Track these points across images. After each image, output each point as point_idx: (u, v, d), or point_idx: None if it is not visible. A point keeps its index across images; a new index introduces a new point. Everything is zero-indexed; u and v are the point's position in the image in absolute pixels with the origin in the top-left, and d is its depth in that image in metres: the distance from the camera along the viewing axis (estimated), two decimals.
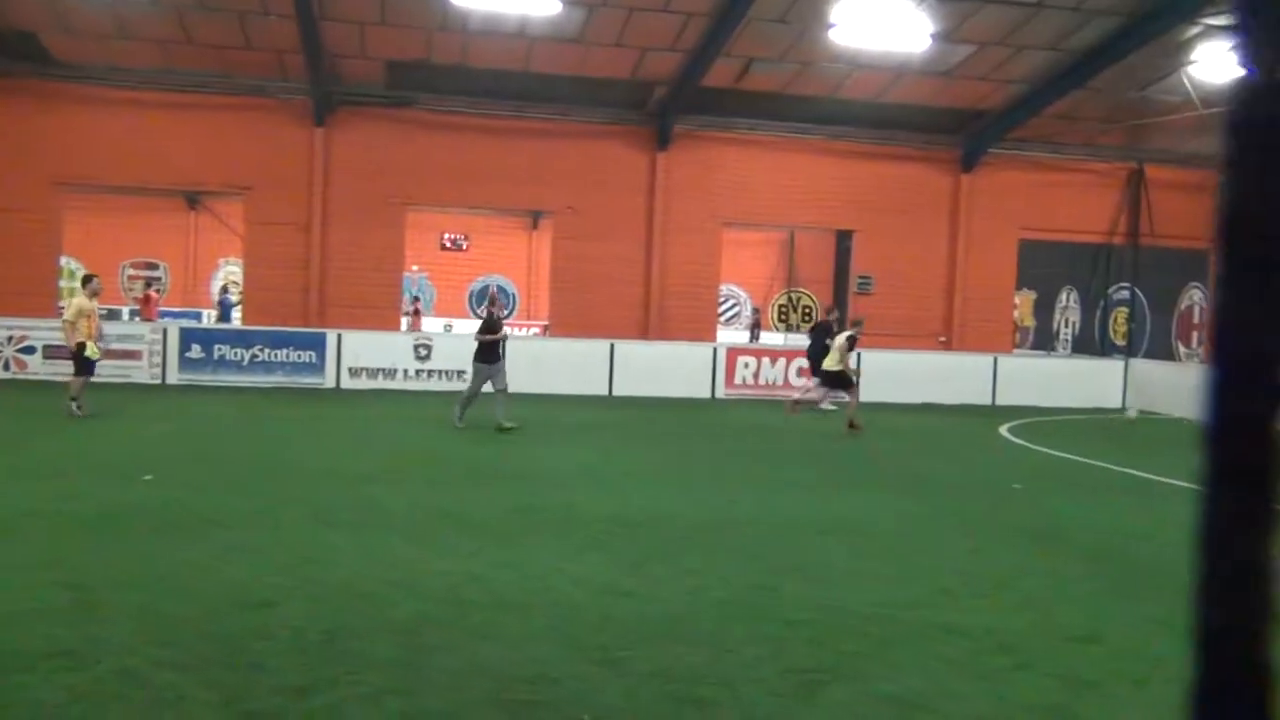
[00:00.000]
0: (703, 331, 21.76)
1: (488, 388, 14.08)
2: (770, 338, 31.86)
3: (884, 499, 10.06)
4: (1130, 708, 4.81)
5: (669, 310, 21.26)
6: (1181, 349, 24.19)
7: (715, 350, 20.59)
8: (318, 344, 18.93)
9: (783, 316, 34.38)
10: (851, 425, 15.24)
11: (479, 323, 14.85)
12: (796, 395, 18.28)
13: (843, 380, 16.03)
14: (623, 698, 4.62)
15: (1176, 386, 21.18)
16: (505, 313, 18.12)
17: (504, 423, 13.70)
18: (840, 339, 16.30)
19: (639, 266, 21.27)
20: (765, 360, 20.90)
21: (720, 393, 20.29)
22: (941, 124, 21.73)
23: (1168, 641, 5.80)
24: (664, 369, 20.04)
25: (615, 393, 19.65)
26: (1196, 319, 23.83)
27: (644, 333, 21.05)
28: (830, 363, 16.17)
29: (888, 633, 5.72)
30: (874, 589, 6.64)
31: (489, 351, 14.11)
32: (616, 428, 15.15)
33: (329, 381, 18.83)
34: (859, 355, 17.70)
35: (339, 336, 19.03)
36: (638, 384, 19.52)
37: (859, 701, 4.70)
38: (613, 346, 19.96)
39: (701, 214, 21.39)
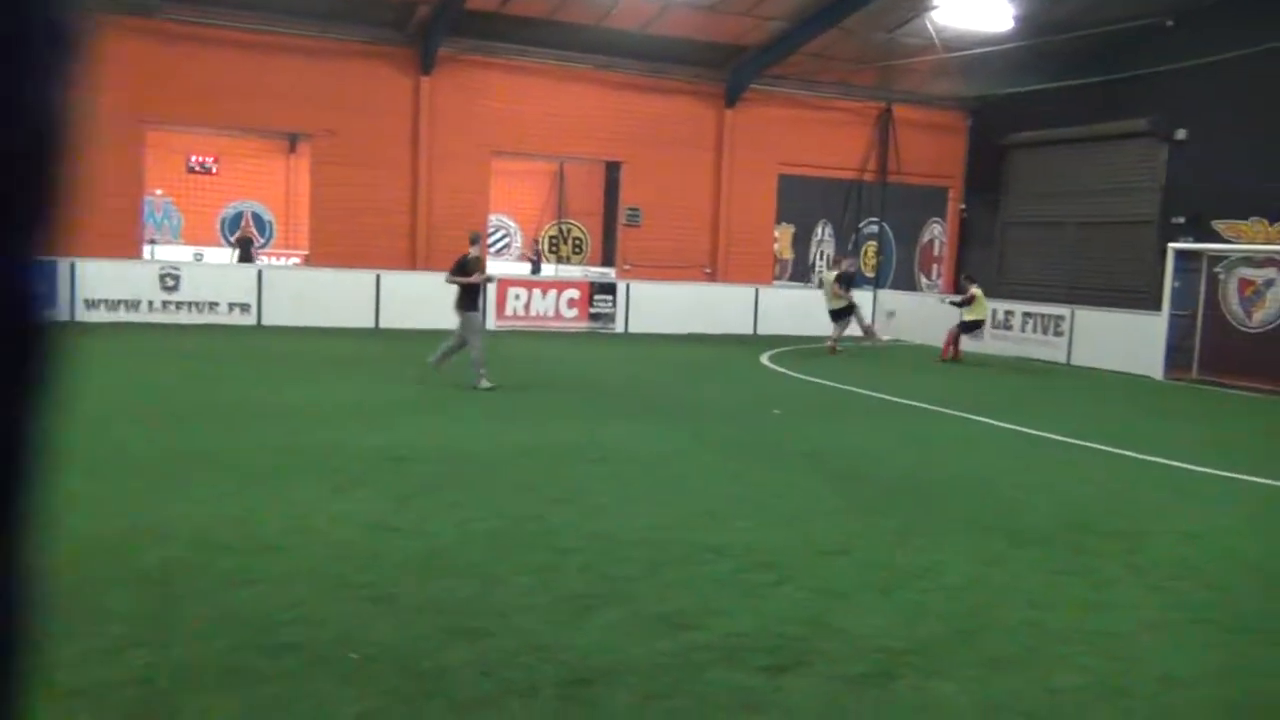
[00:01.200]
0: None
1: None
2: (541, 268, 31.77)
3: (652, 427, 10.29)
4: (875, 614, 5.15)
5: (438, 241, 20.77)
6: (923, 279, 25.90)
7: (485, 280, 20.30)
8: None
9: (553, 248, 34.34)
10: (832, 349, 18.67)
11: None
12: (829, 341, 19.41)
13: (847, 312, 19.14)
14: (392, 634, 4.53)
15: (919, 314, 22.73)
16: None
17: (433, 362, 12.52)
18: (830, 279, 19.52)
19: (405, 195, 20.61)
20: (537, 291, 20.84)
21: (491, 324, 20.09)
22: (707, 58, 22.07)
23: (904, 552, 6.26)
24: (433, 300, 19.58)
25: (382, 325, 19.10)
26: (936, 252, 25.55)
27: (412, 263, 20.50)
28: (832, 304, 19.11)
29: (656, 556, 5.87)
30: (643, 514, 6.80)
31: (471, 298, 12.58)
32: (384, 361, 14.75)
33: (62, 314, 17.28)
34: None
35: (71, 265, 17.48)
36: (406, 316, 19.02)
37: (629, 622, 4.80)
38: (379, 277, 19.33)
39: (469, 142, 20.91)
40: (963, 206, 24.88)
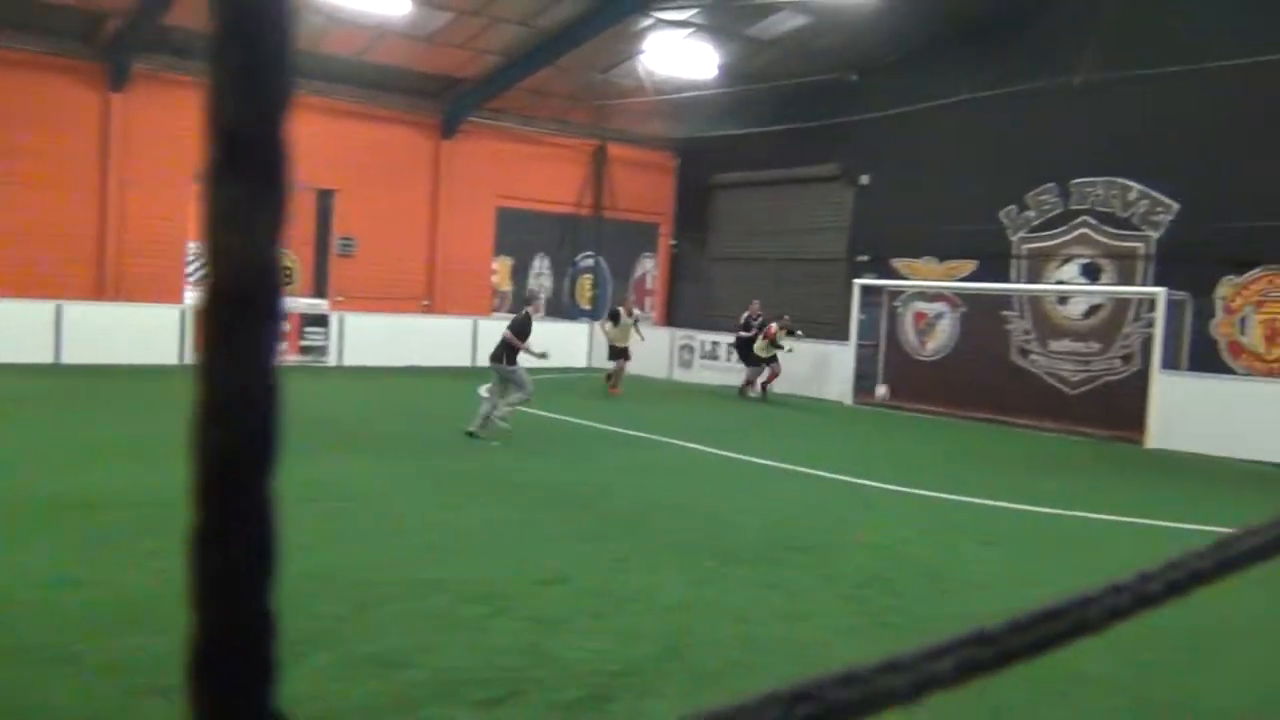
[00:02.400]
0: (169, 292, 20.03)
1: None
2: None
3: (366, 463, 10.00)
4: (591, 639, 5.25)
5: (129, 269, 19.28)
6: (637, 311, 26.74)
7: (183, 312, 19.07)
8: None
9: None
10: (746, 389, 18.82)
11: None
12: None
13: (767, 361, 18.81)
14: (74, 697, 4.13)
15: (636, 346, 23.43)
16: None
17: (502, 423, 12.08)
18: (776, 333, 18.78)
19: (92, 219, 19.01)
20: None
21: (190, 358, 18.87)
22: (423, 88, 21.90)
23: (621, 577, 6.43)
24: (121, 333, 18.17)
25: (63, 359, 17.47)
26: (649, 285, 26.49)
27: (99, 293, 18.90)
28: (764, 351, 18.76)
29: (368, 594, 5.71)
30: (356, 553, 6.59)
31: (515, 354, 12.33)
32: (64, 398, 13.49)
33: None
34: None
35: None
36: (91, 350, 17.50)
37: (339, 665, 4.64)
38: (59, 308, 17.69)
39: (166, 165, 19.56)
40: (673, 242, 25.97)
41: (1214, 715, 4.71)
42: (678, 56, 20.24)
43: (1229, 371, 15.30)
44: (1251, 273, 15.34)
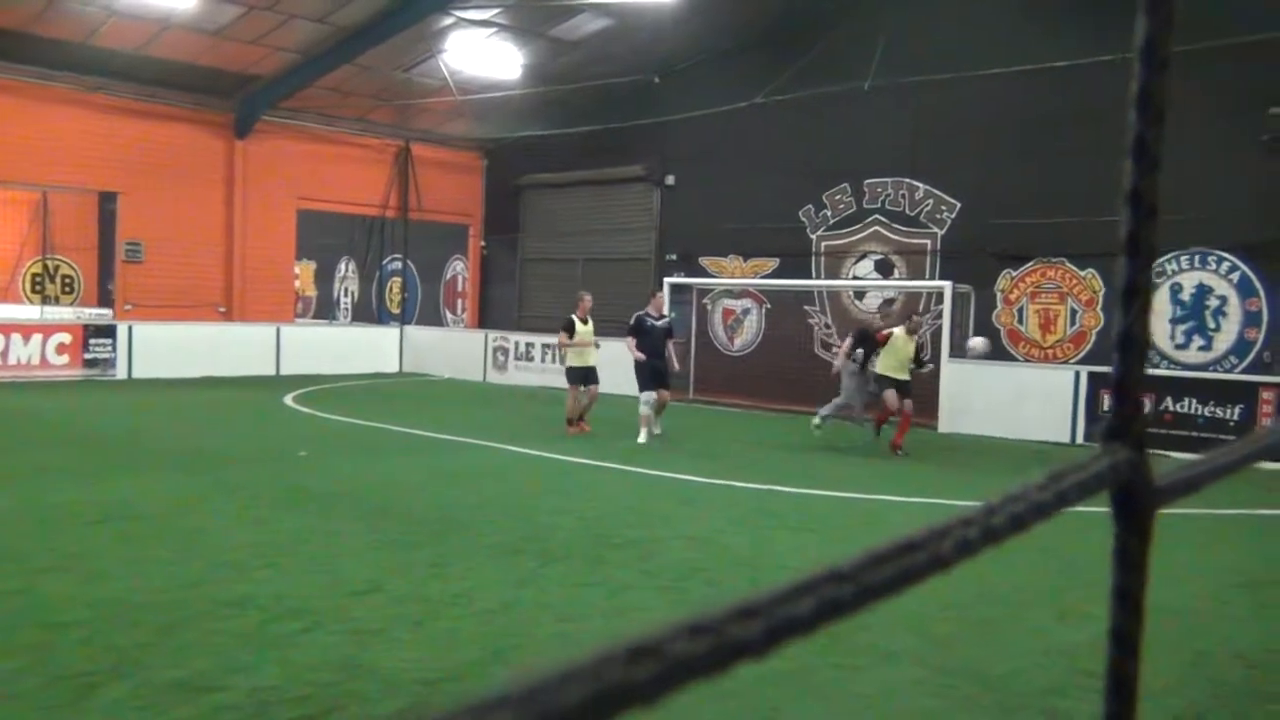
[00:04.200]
0: None
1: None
2: (23, 310, 28.00)
3: (163, 479, 9.47)
4: (409, 648, 5.14)
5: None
6: (448, 315, 26.40)
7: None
8: None
9: (38, 287, 30.46)
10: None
11: None
12: None
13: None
14: None
15: (443, 350, 23.12)
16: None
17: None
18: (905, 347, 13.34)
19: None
20: (16, 336, 18.34)
21: None
22: (213, 85, 20.88)
23: (440, 583, 6.33)
24: None
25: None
26: (460, 288, 26.18)
27: None
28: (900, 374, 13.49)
29: (169, 618, 5.40)
30: (155, 574, 6.22)
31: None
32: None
33: None
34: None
35: None
36: None
37: (141, 694, 4.37)
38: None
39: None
40: (484, 244, 25.74)
41: (1003, 679, 5.04)
42: (481, 56, 20.08)
43: (1011, 358, 16.40)
44: (1026, 266, 16.50)
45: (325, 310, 29.42)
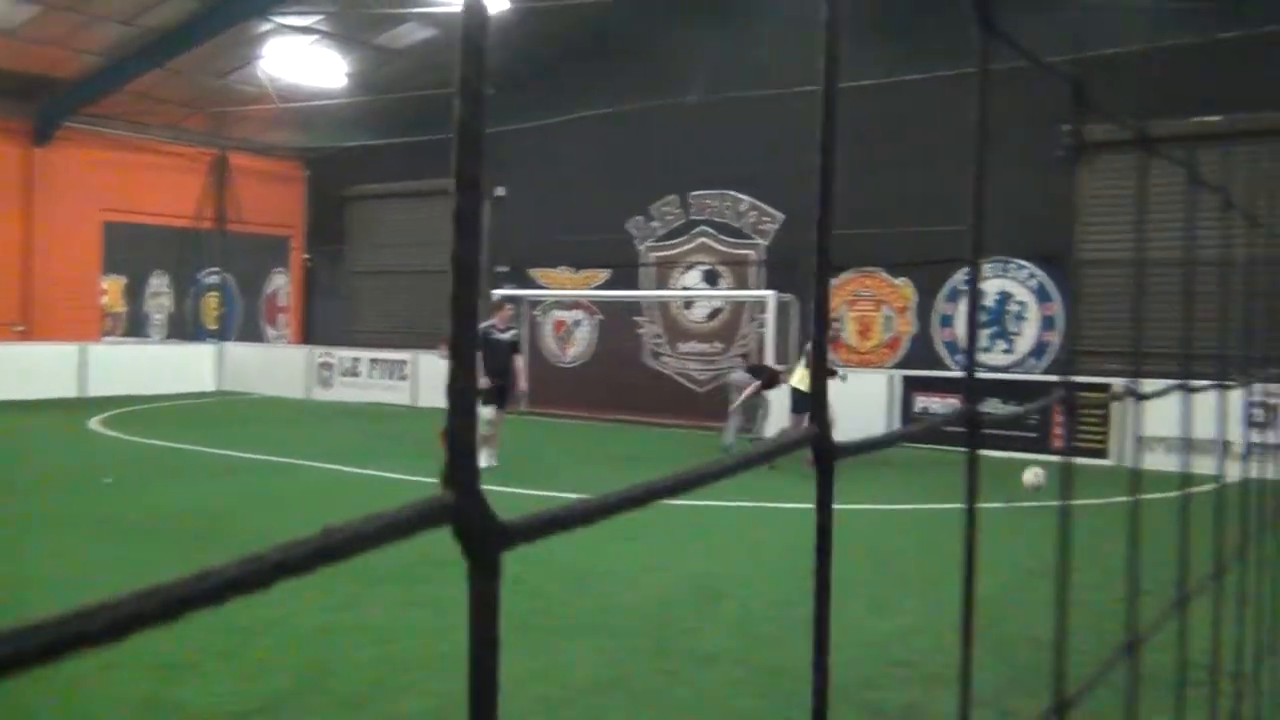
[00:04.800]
0: None
1: None
2: None
3: None
4: (220, 679, 4.92)
5: None
6: (269, 330, 25.47)
7: None
8: None
9: None
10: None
11: None
12: None
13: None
14: None
15: (263, 366, 22.31)
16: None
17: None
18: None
19: None
20: None
21: None
22: (8, 88, 19.53)
23: (253, 609, 6.07)
24: None
25: None
26: (281, 302, 25.29)
27: None
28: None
29: None
30: None
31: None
32: None
33: None
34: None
35: None
36: None
37: None
38: None
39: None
40: (306, 256, 24.96)
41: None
42: (303, 63, 19.49)
43: (831, 364, 17.00)
44: (844, 275, 17.15)
45: (136, 327, 27.92)
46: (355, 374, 20.98)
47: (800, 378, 13.25)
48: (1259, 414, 12.67)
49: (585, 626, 5.97)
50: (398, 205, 23.06)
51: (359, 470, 11.69)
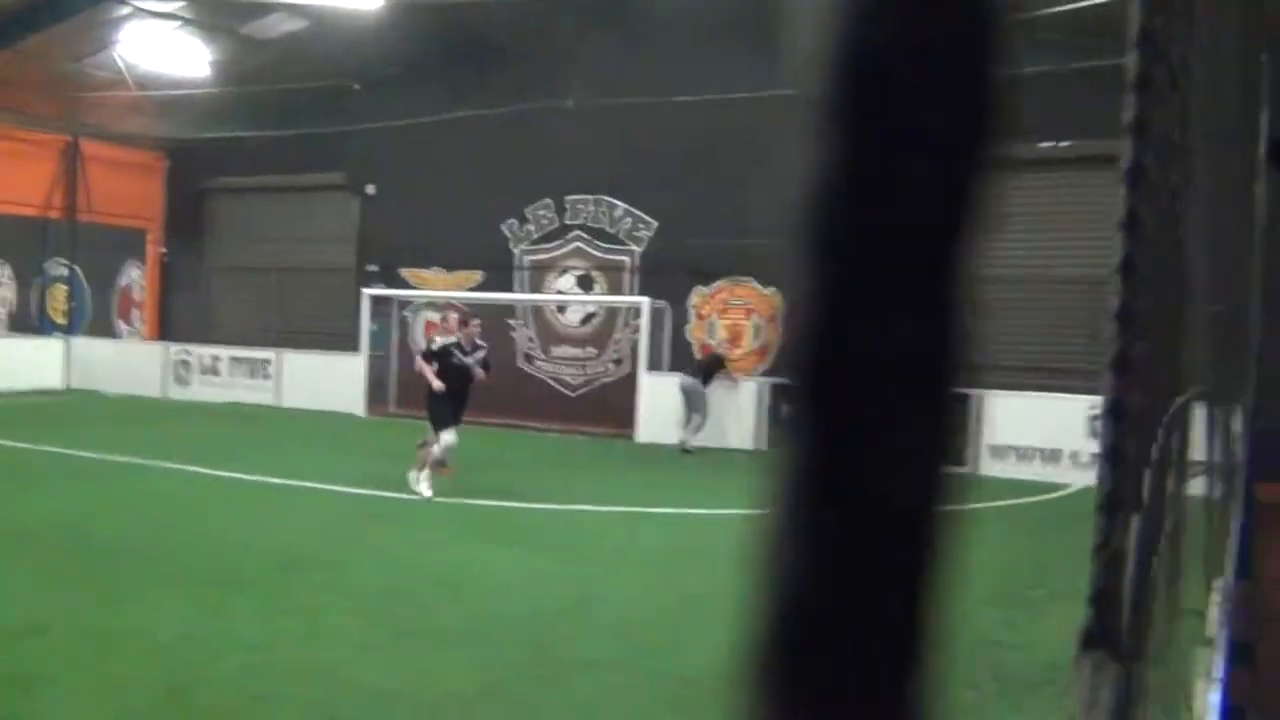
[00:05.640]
0: None
1: None
2: None
3: None
4: (79, 693, 4.71)
5: None
6: (122, 326, 24.31)
7: None
8: None
9: None
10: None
11: None
12: None
13: None
14: None
15: (115, 363, 21.33)
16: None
17: None
18: None
19: None
20: None
21: None
22: None
23: (114, 619, 5.83)
24: None
25: None
26: (136, 296, 24.20)
27: None
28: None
29: None
30: None
31: None
32: None
33: None
34: None
35: None
36: None
37: None
38: None
39: None
40: (164, 250, 23.96)
41: (693, 676, 5.30)
42: (164, 50, 18.72)
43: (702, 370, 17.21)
44: (716, 284, 17.44)
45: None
46: (215, 372, 20.25)
47: None
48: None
49: (462, 634, 5.93)
50: (261, 199, 22.36)
51: (214, 472, 11.28)
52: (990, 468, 13.74)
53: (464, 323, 11.24)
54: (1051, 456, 13.73)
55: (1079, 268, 14.34)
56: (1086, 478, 13.17)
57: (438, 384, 10.55)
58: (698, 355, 17.20)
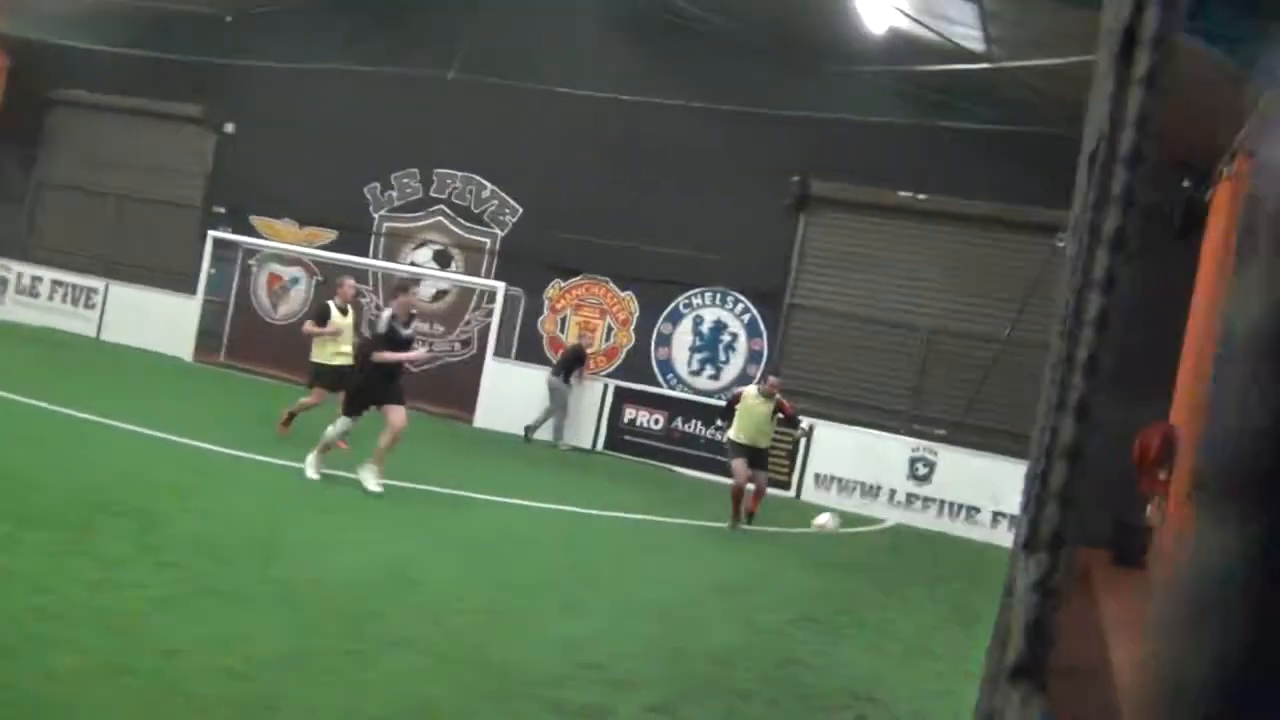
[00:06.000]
0: None
1: None
2: None
3: None
4: None
5: None
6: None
7: None
8: None
9: None
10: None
11: None
12: None
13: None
14: None
15: None
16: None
17: None
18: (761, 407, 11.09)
19: None
20: None
21: None
22: None
23: None
24: None
25: None
26: None
27: None
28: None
29: None
30: None
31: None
32: None
33: None
34: None
35: None
36: None
37: None
38: None
39: None
40: None
41: (506, 668, 5.26)
42: None
43: (547, 363, 17.15)
44: (574, 279, 17.41)
45: None
46: (34, 294, 18.98)
47: (748, 426, 10.92)
48: (920, 468, 14.10)
49: (271, 597, 5.71)
50: (112, 120, 21.07)
51: (17, 398, 10.55)
52: (812, 495, 14.19)
53: (403, 289, 10.34)
54: (870, 491, 14.26)
55: (911, 315, 15.05)
56: (900, 515, 13.77)
57: (417, 354, 10.24)
58: (548, 350, 17.14)
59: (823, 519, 11.70)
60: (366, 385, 9.56)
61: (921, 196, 15.26)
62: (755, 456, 10.84)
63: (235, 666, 4.60)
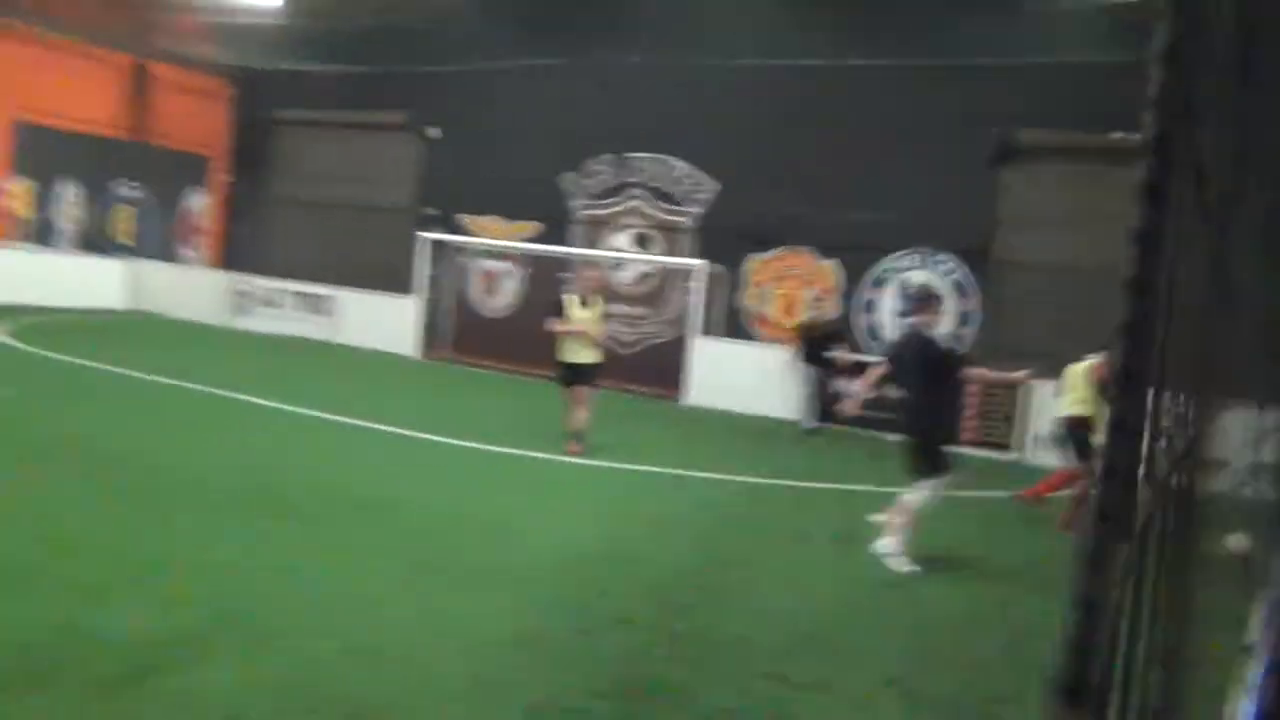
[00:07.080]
0: None
1: None
2: None
3: None
4: (132, 610, 4.84)
5: None
6: (184, 251, 24.71)
7: None
8: None
9: None
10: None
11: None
12: None
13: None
14: None
15: (177, 288, 21.70)
16: None
17: None
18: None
19: None
20: None
21: None
22: None
23: (165, 539, 5.98)
24: None
25: None
26: (198, 223, 24.53)
27: None
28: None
29: None
30: None
31: None
32: None
33: None
34: None
35: None
36: None
37: None
38: None
39: None
40: (230, 179, 24.23)
41: (731, 640, 5.35)
42: None
43: (753, 338, 17.16)
44: (774, 251, 17.32)
45: (42, 235, 26.81)
46: (276, 305, 20.53)
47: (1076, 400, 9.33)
48: None
49: (500, 579, 6.02)
50: (329, 135, 22.46)
51: (270, 403, 11.46)
52: (1032, 456, 13.61)
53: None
54: None
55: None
56: None
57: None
58: (753, 326, 17.07)
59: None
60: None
61: (1136, 136, 14.30)
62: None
63: (472, 647, 4.89)
